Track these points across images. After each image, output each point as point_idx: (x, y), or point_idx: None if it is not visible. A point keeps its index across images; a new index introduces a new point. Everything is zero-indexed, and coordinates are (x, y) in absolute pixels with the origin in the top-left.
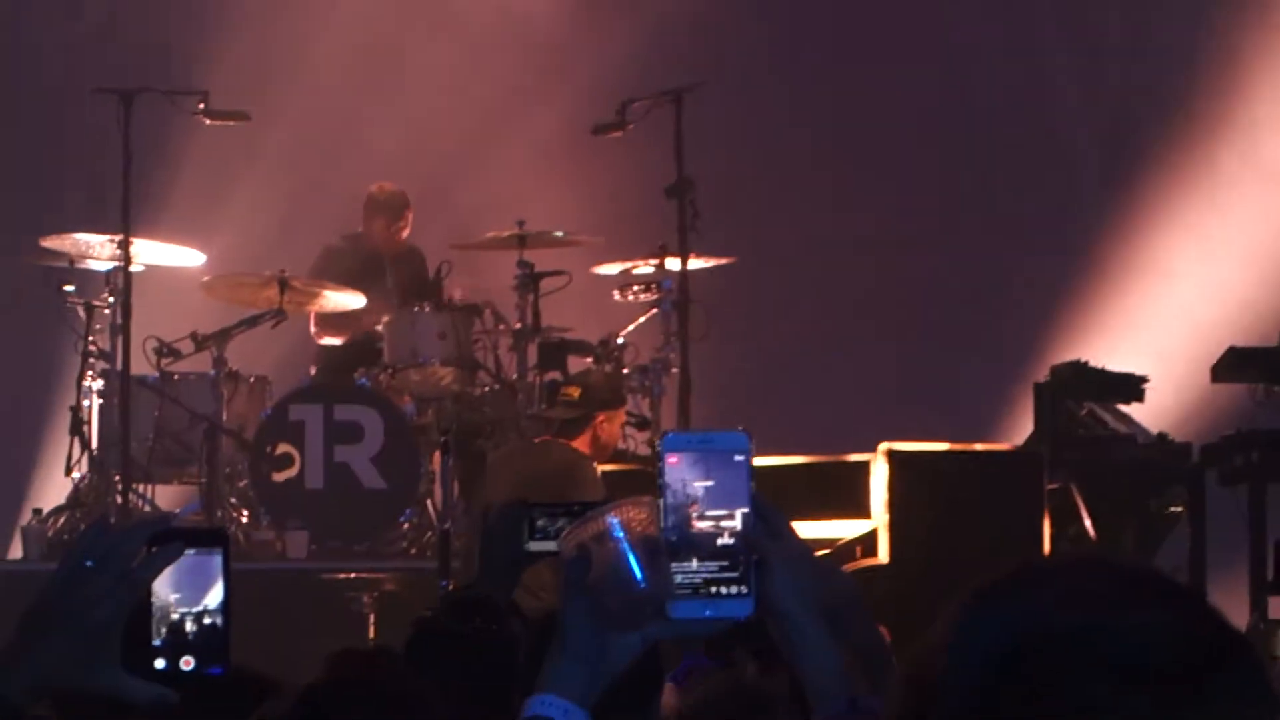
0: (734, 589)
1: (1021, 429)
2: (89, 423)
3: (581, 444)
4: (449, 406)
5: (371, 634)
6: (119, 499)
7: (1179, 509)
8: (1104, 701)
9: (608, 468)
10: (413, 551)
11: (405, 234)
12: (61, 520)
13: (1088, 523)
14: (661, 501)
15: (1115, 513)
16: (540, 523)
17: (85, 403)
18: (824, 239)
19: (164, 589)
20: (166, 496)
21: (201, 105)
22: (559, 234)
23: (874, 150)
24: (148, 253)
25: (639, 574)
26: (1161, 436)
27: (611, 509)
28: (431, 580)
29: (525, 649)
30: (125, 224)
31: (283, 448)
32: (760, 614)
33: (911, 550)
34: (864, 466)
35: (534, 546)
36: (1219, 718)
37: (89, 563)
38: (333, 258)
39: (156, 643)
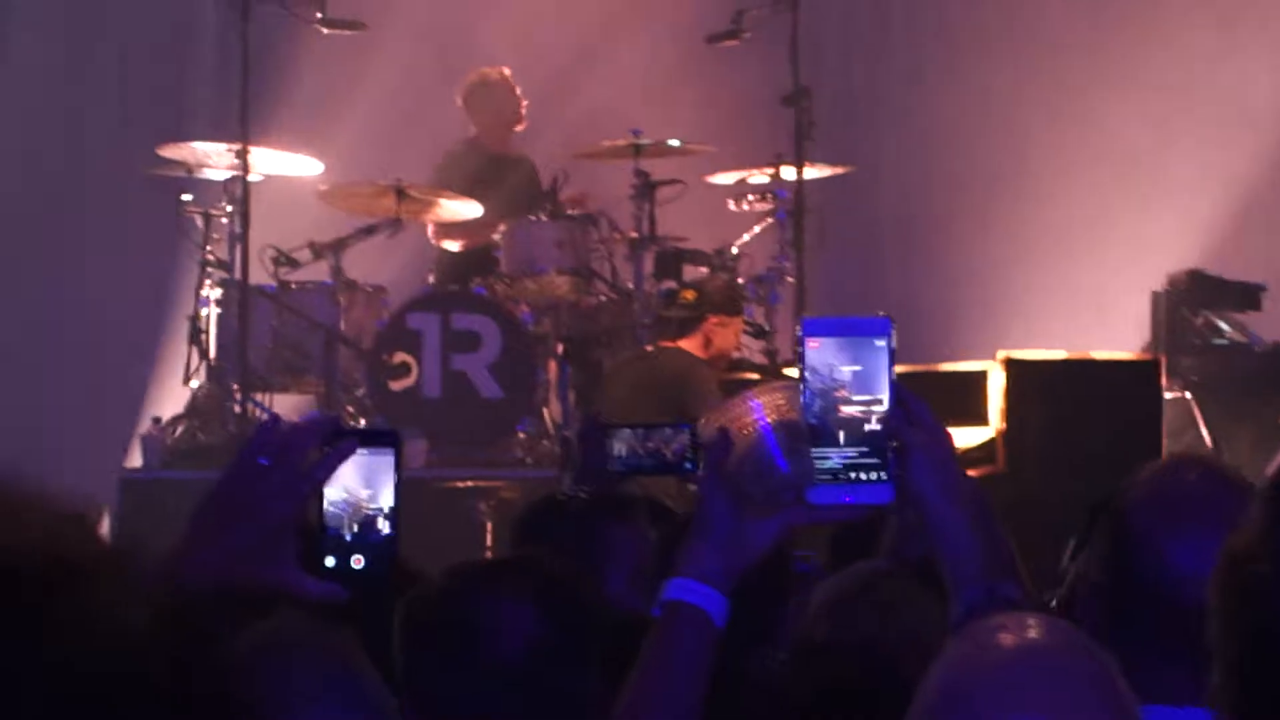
0: (874, 475)
1: (1135, 337)
2: (206, 332)
3: (693, 345)
4: (565, 315)
5: (489, 541)
6: (237, 408)
7: None
8: None
9: (726, 377)
10: (529, 461)
11: (521, 119)
12: (180, 429)
13: (1204, 431)
14: (803, 386)
15: (1231, 421)
16: (617, 446)
17: (203, 311)
18: (938, 147)
19: (337, 488)
20: (284, 405)
21: (319, 14)
22: (674, 143)
23: (987, 61)
24: (265, 162)
25: (779, 458)
26: (1277, 345)
27: (754, 393)
28: (548, 488)
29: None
30: (243, 133)
31: (400, 356)
32: (900, 501)
33: (1028, 458)
34: (981, 375)
35: (614, 466)
36: None
37: (263, 460)
38: (452, 162)
39: (328, 541)
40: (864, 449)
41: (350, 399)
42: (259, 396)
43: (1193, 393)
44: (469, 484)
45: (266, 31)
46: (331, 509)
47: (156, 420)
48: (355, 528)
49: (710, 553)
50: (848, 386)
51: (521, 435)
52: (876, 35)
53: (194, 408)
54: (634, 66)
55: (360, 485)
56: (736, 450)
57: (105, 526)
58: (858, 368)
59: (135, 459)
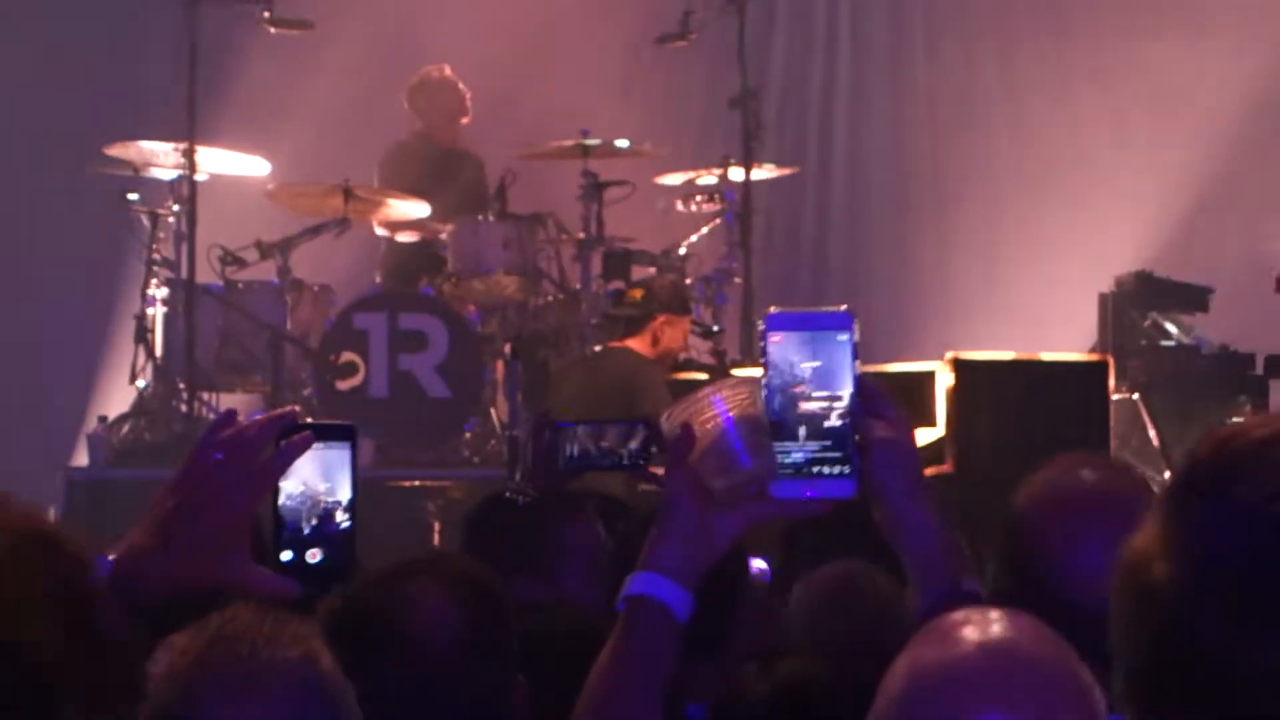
0: (836, 469)
1: (1083, 339)
2: (153, 331)
3: (641, 343)
4: (512, 316)
5: (436, 540)
6: (184, 407)
7: (1242, 419)
8: None
9: (673, 376)
10: (476, 460)
11: (466, 111)
12: (126, 427)
13: (1152, 433)
14: (765, 380)
15: (1179, 423)
16: (568, 443)
17: (150, 311)
18: (885, 149)
19: (295, 482)
20: (231, 404)
21: (266, 13)
22: (622, 144)
23: (937, 63)
24: (212, 161)
25: (742, 453)
26: (1224, 347)
27: (715, 388)
28: (496, 488)
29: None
30: (190, 132)
31: (347, 356)
32: (862, 495)
33: (976, 458)
34: (929, 375)
35: (565, 463)
36: None
37: (218, 455)
38: (402, 153)
39: (286, 535)
40: (826, 443)
41: (297, 398)
42: (205, 396)
43: (1140, 394)
44: (417, 484)
45: (214, 31)
46: (290, 502)
47: (103, 419)
48: (314, 521)
49: (674, 547)
50: (809, 381)
51: (469, 435)
52: (824, 37)
53: (140, 407)
54: (582, 68)
55: (318, 479)
56: (699, 445)
57: None
58: (818, 363)
59: (81, 458)
